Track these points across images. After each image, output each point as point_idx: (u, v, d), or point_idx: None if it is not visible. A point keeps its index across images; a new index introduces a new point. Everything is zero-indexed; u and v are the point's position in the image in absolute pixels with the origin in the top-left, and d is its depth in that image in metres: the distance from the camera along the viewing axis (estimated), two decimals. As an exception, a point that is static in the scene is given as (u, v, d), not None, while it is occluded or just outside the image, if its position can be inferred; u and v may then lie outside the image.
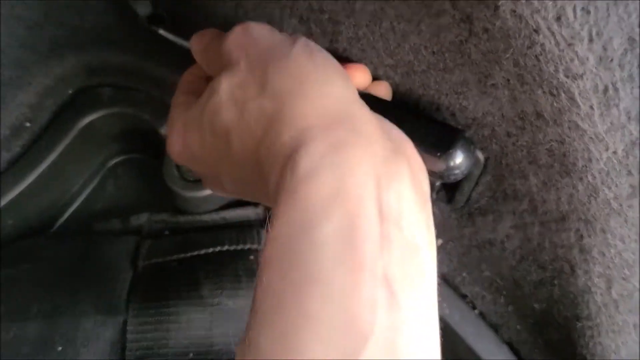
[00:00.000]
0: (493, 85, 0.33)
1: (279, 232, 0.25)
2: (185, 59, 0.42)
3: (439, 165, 0.34)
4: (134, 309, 0.44)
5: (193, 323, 0.44)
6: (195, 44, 0.39)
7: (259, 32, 0.34)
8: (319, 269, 0.24)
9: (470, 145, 0.35)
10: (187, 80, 0.41)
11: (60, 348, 0.43)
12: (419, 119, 0.36)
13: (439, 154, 0.34)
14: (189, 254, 0.49)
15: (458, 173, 0.35)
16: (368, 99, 0.32)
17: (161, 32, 0.48)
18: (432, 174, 0.33)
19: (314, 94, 0.29)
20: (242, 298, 0.46)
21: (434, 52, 0.34)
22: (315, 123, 0.28)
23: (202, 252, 0.49)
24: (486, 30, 0.30)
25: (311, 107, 0.29)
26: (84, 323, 0.44)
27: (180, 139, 0.36)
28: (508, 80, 0.32)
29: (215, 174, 0.36)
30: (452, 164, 0.34)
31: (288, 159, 0.27)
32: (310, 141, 0.27)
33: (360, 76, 0.38)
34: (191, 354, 0.43)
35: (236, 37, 0.34)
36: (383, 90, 0.39)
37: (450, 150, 0.34)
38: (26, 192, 0.54)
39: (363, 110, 0.30)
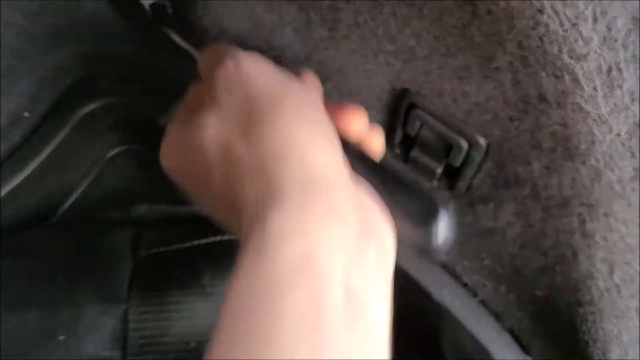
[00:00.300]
0: (496, 68, 0.33)
1: (242, 291, 0.25)
2: (185, 50, 0.41)
3: (419, 238, 0.33)
4: (136, 297, 0.44)
5: (194, 312, 0.44)
6: (201, 61, 0.38)
7: (251, 71, 0.33)
8: (281, 345, 0.23)
9: (450, 220, 0.34)
10: (194, 92, 0.40)
11: (62, 337, 0.43)
12: (402, 186, 0.35)
13: (418, 228, 0.33)
14: (188, 244, 0.49)
15: (437, 248, 0.34)
16: (355, 156, 0.32)
17: (172, 36, 0.47)
18: (411, 244, 0.33)
19: (296, 161, 0.29)
20: (243, 287, 0.45)
21: (436, 37, 0.34)
22: (292, 188, 0.28)
23: (202, 241, 0.49)
24: (490, 11, 0.30)
25: (290, 173, 0.28)
26: (86, 312, 0.44)
27: (169, 157, 0.36)
28: (511, 62, 0.32)
29: (197, 196, 0.36)
30: (432, 239, 0.33)
31: (260, 215, 0.27)
32: (283, 204, 0.27)
33: (356, 121, 0.37)
34: (193, 343, 0.43)
35: (226, 73, 0.33)
36: (376, 141, 0.38)
37: (430, 226, 0.32)
38: (25, 183, 0.54)
39: (342, 183, 0.30)
